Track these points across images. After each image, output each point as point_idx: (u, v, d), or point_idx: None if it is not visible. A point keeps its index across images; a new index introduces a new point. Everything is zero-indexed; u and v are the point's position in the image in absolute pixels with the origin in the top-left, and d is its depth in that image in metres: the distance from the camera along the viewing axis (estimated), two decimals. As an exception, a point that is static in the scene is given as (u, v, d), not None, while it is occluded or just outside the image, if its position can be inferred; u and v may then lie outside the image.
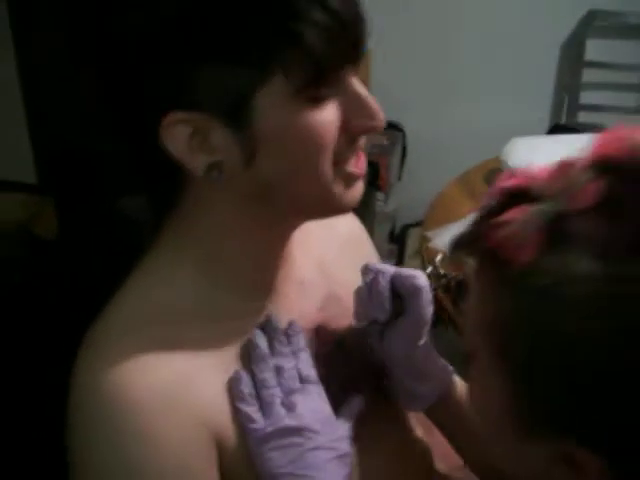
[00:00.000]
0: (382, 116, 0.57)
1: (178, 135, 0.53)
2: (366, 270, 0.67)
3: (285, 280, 0.66)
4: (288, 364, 0.62)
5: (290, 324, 0.64)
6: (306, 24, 0.50)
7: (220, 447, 0.59)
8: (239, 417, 0.59)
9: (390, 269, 0.66)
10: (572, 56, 2.34)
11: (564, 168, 0.44)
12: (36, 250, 0.75)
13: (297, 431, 0.58)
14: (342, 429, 0.62)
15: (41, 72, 1.54)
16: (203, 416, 0.58)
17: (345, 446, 0.61)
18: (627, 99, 2.33)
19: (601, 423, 0.42)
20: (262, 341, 0.62)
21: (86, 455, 0.56)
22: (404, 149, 2.49)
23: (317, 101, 0.53)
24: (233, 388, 0.60)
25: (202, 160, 0.54)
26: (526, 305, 0.43)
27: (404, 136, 2.47)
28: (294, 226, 0.64)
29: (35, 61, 1.56)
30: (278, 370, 0.61)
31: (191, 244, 0.62)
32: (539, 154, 1.53)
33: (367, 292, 0.66)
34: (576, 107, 2.34)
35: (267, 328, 0.63)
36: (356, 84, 0.56)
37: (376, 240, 2.32)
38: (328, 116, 0.54)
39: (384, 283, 0.65)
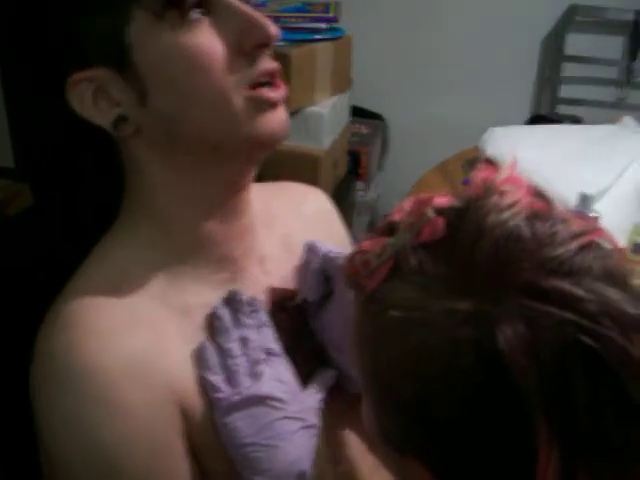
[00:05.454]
0: (271, 27, 0.56)
1: (83, 94, 0.56)
2: (306, 249, 0.67)
3: (246, 255, 0.66)
4: (253, 335, 0.62)
5: (251, 300, 0.63)
6: None
7: (186, 417, 0.58)
8: (205, 387, 0.59)
9: (324, 249, 0.66)
10: (553, 50, 2.36)
11: (421, 203, 0.46)
12: (4, 228, 0.75)
13: (263, 400, 0.58)
14: (310, 400, 0.62)
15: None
16: (168, 385, 0.57)
17: (312, 417, 0.61)
18: (606, 93, 2.36)
19: (424, 442, 0.44)
20: (225, 313, 0.62)
21: (48, 422, 0.56)
22: (385, 139, 2.50)
23: (186, 24, 0.54)
24: (199, 358, 0.59)
25: (110, 114, 0.57)
26: (365, 328, 0.47)
27: (385, 126, 2.48)
28: (235, 188, 0.63)
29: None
30: (243, 341, 0.61)
31: (143, 216, 0.62)
32: (516, 143, 1.55)
33: (303, 271, 0.67)
34: (556, 100, 2.36)
35: (231, 301, 0.63)
36: (232, 1, 0.56)
37: (356, 230, 2.32)
38: (200, 36, 0.54)
39: (315, 263, 0.65)
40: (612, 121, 1.78)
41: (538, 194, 0.46)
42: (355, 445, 0.68)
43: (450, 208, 0.45)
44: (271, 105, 0.58)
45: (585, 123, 2.01)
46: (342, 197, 2.03)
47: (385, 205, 2.44)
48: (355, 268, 0.47)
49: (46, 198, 0.69)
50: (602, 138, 1.59)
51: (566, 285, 0.40)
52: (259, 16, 0.56)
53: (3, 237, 0.72)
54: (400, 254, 0.45)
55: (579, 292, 0.40)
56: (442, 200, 0.46)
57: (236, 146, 0.58)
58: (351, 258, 0.48)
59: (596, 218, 1.20)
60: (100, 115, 0.57)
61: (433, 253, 0.44)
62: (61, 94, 0.57)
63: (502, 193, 0.44)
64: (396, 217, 0.48)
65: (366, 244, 0.48)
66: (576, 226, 0.44)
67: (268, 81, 0.58)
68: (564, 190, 1.30)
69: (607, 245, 0.44)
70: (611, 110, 2.28)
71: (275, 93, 0.58)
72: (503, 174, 0.46)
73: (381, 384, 0.47)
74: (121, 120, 0.57)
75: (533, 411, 0.40)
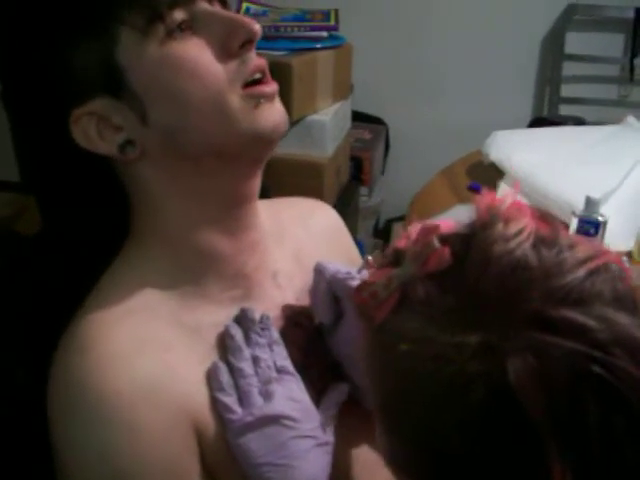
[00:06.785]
0: (253, 23, 0.57)
1: (87, 129, 0.57)
2: (315, 271, 0.67)
3: (258, 271, 0.66)
4: (264, 354, 0.62)
5: (262, 317, 0.64)
6: None
7: (201, 437, 0.58)
8: (217, 407, 0.59)
9: (332, 270, 0.65)
10: (553, 50, 2.36)
11: (426, 231, 0.46)
12: (16, 245, 0.75)
13: (276, 420, 0.58)
14: (323, 417, 0.62)
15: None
16: (182, 406, 0.58)
17: (325, 434, 0.61)
18: (607, 91, 2.36)
19: (434, 473, 0.44)
20: (237, 332, 0.62)
21: (63, 444, 0.56)
22: (387, 144, 2.50)
23: (171, 37, 0.56)
24: (211, 378, 0.60)
25: (115, 141, 0.58)
26: (375, 359, 0.47)
27: (387, 131, 2.48)
28: (243, 200, 0.63)
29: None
30: (255, 360, 0.61)
31: (151, 239, 0.62)
32: (519, 146, 1.55)
33: (313, 294, 0.67)
34: (557, 100, 2.36)
35: (242, 320, 0.64)
36: (208, 8, 0.58)
37: (360, 234, 2.31)
38: (187, 45, 0.56)
39: (324, 285, 0.65)
40: (616, 120, 1.78)
41: (543, 217, 0.46)
42: (370, 458, 0.68)
43: (456, 236, 0.45)
44: (267, 99, 0.59)
45: (588, 122, 2.00)
46: (346, 203, 2.03)
47: (389, 209, 2.44)
48: (364, 299, 0.47)
49: (55, 223, 0.69)
50: (606, 139, 1.58)
51: (575, 315, 0.40)
52: (240, 16, 0.58)
53: (20, 257, 0.72)
54: (407, 285, 0.45)
55: (589, 322, 0.40)
56: (447, 228, 0.46)
57: (240, 146, 0.59)
58: (359, 289, 0.48)
59: (604, 222, 1.20)
60: (105, 145, 0.58)
61: (440, 283, 0.44)
62: (62, 129, 0.57)
63: (507, 220, 0.44)
64: (401, 245, 0.47)
65: (373, 275, 0.47)
66: (583, 251, 0.43)
67: (260, 78, 0.59)
68: (570, 194, 1.30)
69: (615, 267, 0.44)
70: (614, 108, 2.29)
71: (269, 87, 0.60)
72: (507, 200, 0.46)
73: (392, 414, 0.47)
74: (127, 144, 0.58)
75: (545, 443, 0.39)
